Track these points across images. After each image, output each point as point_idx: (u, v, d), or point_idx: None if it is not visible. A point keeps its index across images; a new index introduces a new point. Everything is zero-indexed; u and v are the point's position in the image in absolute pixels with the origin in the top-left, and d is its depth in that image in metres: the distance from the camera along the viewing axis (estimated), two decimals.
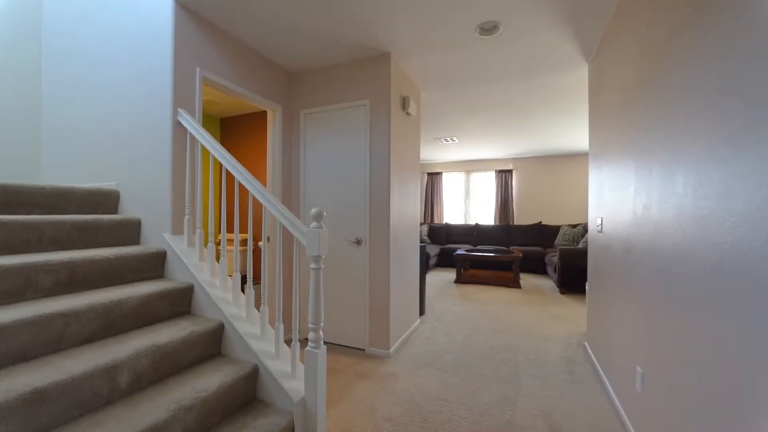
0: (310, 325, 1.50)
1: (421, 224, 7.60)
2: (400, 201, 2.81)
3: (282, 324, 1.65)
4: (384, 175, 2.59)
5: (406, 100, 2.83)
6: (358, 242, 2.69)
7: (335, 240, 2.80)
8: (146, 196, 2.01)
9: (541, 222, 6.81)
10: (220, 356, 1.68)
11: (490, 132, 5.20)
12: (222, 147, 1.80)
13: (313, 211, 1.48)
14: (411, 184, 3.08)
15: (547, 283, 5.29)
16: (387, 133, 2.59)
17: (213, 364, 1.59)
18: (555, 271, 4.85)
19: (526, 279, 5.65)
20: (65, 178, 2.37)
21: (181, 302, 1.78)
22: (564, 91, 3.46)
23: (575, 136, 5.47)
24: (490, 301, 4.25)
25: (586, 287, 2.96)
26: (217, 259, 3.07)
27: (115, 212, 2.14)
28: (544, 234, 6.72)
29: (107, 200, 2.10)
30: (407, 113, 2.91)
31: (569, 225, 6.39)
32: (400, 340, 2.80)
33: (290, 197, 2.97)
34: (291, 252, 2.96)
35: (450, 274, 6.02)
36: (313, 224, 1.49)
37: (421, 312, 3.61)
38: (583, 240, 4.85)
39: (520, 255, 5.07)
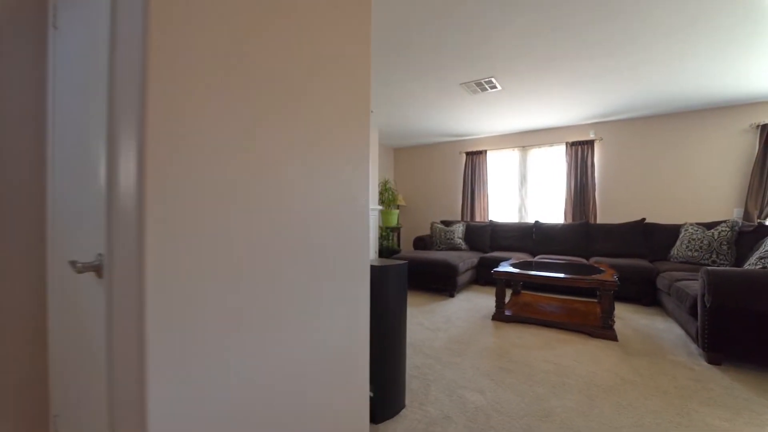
0: None
1: (453, 223, 5.50)
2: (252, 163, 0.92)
3: None
4: (133, 92, 0.72)
5: None
6: (97, 269, 0.86)
7: (54, 262, 1.01)
8: None
9: (644, 219, 4.29)
10: None
11: (556, 70, 3.00)
12: None
13: None
14: (323, 136, 1.15)
15: (665, 329, 2.92)
16: None
17: None
18: (689, 311, 2.50)
19: (622, 315, 3.31)
20: None
21: None
22: None
23: (736, 65, 3.00)
24: (555, 374, 2.12)
25: None
26: None
27: None
28: (650, 238, 4.21)
29: None
30: None
31: (698, 224, 3.83)
32: None
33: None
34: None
35: (490, 300, 3.88)
36: None
37: (390, 410, 1.66)
38: (760, 254, 2.41)
39: (615, 279, 2.79)
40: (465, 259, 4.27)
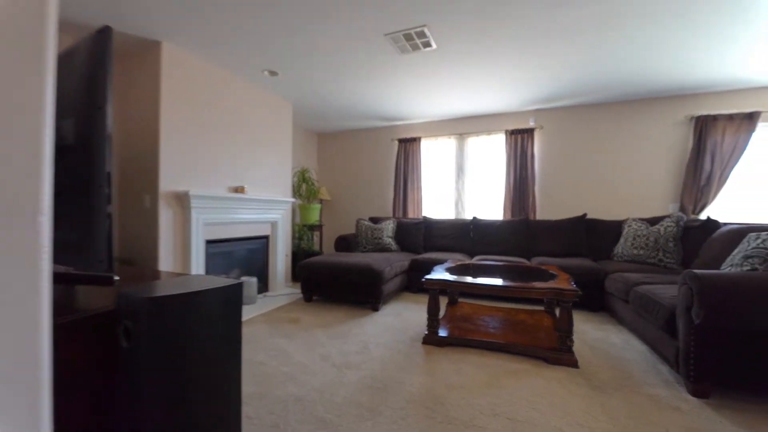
0: None
1: (382, 220, 4.72)
2: None
3: None
4: None
5: None
6: None
7: None
8: None
9: (585, 215, 3.93)
10: None
11: (499, 22, 2.31)
12: None
13: None
14: None
15: (624, 344, 2.41)
16: None
17: None
18: (664, 327, 1.95)
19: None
20: None
21: None
22: None
23: (677, 53, 2.61)
24: None
25: None
26: None
27: None
28: (592, 235, 3.84)
29: None
30: None
31: (641, 220, 3.52)
32: None
33: None
34: None
35: (423, 312, 3.13)
36: None
37: None
38: (746, 253, 1.91)
39: (574, 285, 2.20)
40: (393, 263, 3.48)
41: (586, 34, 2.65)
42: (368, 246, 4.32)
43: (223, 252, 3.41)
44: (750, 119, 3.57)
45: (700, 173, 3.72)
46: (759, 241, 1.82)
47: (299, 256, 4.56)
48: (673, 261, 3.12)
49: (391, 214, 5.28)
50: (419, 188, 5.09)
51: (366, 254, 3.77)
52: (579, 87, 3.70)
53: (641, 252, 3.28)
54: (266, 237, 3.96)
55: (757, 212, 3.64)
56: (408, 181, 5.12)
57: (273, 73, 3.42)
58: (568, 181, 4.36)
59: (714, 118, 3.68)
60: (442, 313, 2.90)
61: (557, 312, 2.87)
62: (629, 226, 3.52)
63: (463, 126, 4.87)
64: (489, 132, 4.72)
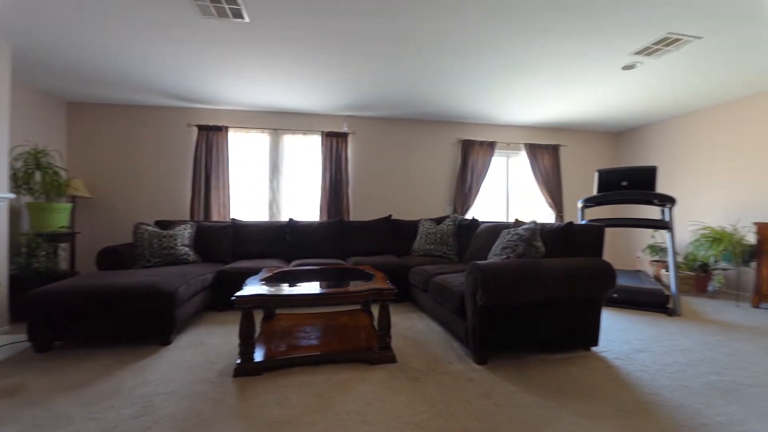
0: None
1: (175, 224, 3.78)
2: None
3: None
4: None
5: None
6: None
7: None
8: None
9: (390, 216, 4.39)
10: None
11: (318, 16, 2.19)
12: None
13: None
14: None
15: (426, 329, 2.77)
16: None
17: None
18: (456, 310, 2.32)
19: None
20: None
21: None
22: None
23: (451, 88, 3.24)
24: None
25: None
26: None
27: None
28: (396, 234, 4.32)
29: None
30: None
31: (430, 220, 4.23)
32: None
33: None
34: None
35: (233, 335, 2.63)
36: None
37: None
38: (504, 244, 2.49)
39: (390, 284, 2.31)
40: (191, 278, 2.78)
41: (388, 49, 2.89)
42: (155, 259, 3.33)
43: None
44: (491, 146, 4.93)
45: (465, 183, 4.84)
46: (509, 235, 2.43)
47: (28, 282, 3.02)
48: (452, 252, 3.88)
49: (188, 217, 4.32)
50: (226, 186, 4.38)
51: (151, 270, 2.86)
52: (382, 100, 4.09)
53: (432, 247, 3.92)
54: None
55: (494, 213, 5.07)
56: (212, 177, 4.32)
57: None
58: (376, 184, 4.77)
59: (472, 143, 4.87)
60: (257, 332, 2.52)
61: (373, 309, 3.02)
62: (423, 225, 4.16)
63: (278, 121, 4.54)
64: (305, 132, 4.59)
